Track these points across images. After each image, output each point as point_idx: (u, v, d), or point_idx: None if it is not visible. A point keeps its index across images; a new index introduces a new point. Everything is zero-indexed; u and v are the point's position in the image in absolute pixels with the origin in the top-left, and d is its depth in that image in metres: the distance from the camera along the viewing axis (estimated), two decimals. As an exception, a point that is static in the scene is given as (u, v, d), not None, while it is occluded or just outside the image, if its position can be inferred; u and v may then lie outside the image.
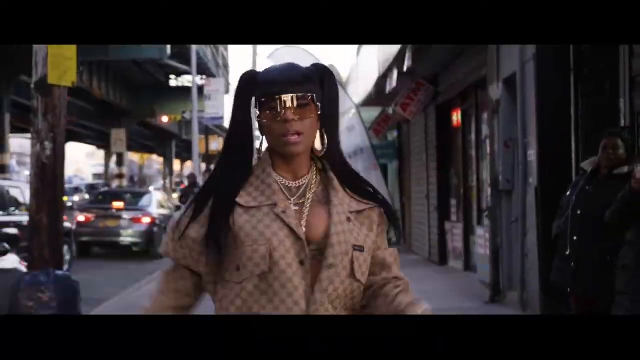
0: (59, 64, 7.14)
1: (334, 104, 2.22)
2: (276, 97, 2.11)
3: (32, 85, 7.24)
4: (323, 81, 2.19)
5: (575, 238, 5.44)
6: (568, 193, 5.65)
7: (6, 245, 8.36)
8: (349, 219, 2.16)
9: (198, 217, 2.16)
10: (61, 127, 7.29)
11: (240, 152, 2.19)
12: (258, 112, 2.17)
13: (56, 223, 7.26)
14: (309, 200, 2.18)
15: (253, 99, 2.18)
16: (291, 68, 2.18)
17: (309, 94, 2.13)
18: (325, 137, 2.20)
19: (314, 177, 2.21)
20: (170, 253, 2.21)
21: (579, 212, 5.45)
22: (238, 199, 2.14)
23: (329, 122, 2.21)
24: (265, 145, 2.22)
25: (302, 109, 2.13)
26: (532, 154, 8.68)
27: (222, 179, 2.18)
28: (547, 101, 8.28)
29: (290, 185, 2.19)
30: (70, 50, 7.26)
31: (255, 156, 2.23)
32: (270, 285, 2.10)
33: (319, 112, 2.16)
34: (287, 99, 2.11)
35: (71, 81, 7.34)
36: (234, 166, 2.19)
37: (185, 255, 2.18)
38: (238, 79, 2.23)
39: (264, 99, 2.14)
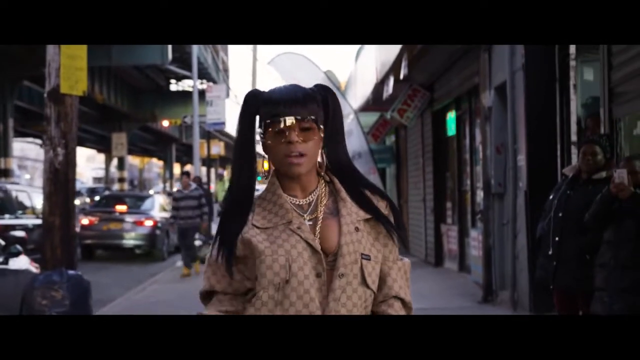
0: (71, 74, 7.53)
1: (337, 122, 2.27)
2: (280, 120, 2.17)
3: (45, 95, 7.63)
4: (326, 99, 2.24)
5: (557, 238, 5.79)
6: (551, 197, 6.00)
7: (18, 247, 8.69)
8: (357, 229, 2.21)
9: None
10: (72, 133, 7.68)
11: (247, 172, 2.25)
12: (262, 133, 2.22)
13: (68, 225, 7.65)
14: (322, 214, 2.22)
15: (257, 118, 2.24)
16: (294, 89, 2.22)
17: (311, 117, 2.18)
18: (325, 156, 2.26)
19: (323, 190, 2.26)
20: (215, 286, 2.24)
21: (560, 215, 5.79)
22: (254, 222, 2.20)
23: (333, 139, 2.26)
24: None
25: (305, 132, 2.18)
26: (522, 159, 9.03)
27: (233, 202, 2.25)
28: (535, 109, 8.64)
29: (300, 203, 2.24)
30: (81, 61, 7.65)
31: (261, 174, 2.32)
32: (286, 296, 2.14)
33: (322, 133, 2.22)
34: (291, 121, 2.16)
35: (82, 90, 7.73)
36: (242, 188, 2.24)
37: (229, 282, 2.23)
38: (243, 98, 2.29)
39: (268, 121, 2.19)
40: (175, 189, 18.30)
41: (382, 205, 2.28)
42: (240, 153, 2.25)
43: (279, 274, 2.14)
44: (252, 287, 2.21)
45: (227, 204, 2.27)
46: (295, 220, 2.19)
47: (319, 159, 2.27)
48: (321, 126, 2.22)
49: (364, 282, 2.19)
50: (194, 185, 15.13)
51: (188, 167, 62.44)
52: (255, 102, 2.23)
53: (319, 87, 2.28)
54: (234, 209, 2.24)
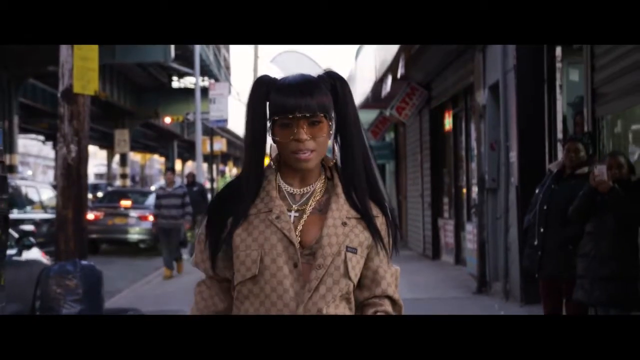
0: (83, 74, 7.89)
1: (349, 109, 2.23)
2: (289, 117, 2.14)
3: (59, 94, 8.00)
4: (335, 88, 2.21)
5: (542, 230, 6.11)
6: (537, 191, 6.35)
7: (32, 239, 9.03)
8: (344, 224, 2.19)
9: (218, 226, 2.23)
10: (85, 131, 8.05)
11: (256, 160, 2.23)
12: (270, 126, 2.19)
13: (80, 218, 8.02)
14: (310, 207, 2.21)
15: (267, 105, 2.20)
16: (303, 81, 2.18)
17: (321, 114, 2.15)
18: (337, 147, 2.25)
19: (321, 185, 2.25)
20: (200, 264, 2.29)
21: (545, 207, 6.12)
22: None
23: (343, 127, 2.23)
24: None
25: (314, 128, 2.16)
26: (513, 156, 9.34)
27: (238, 187, 2.24)
28: (525, 108, 8.96)
29: (294, 192, 2.23)
30: (92, 62, 8.01)
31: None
32: (262, 289, 2.15)
33: (331, 124, 2.19)
34: (300, 119, 2.14)
35: (94, 90, 8.09)
36: (248, 176, 2.23)
37: (211, 265, 2.26)
38: (252, 83, 2.24)
39: (276, 118, 2.16)
40: (158, 186, 17.72)
41: (375, 212, 2.25)
42: (252, 141, 2.22)
43: (251, 268, 2.15)
44: (230, 278, 2.24)
45: (230, 186, 2.27)
46: (276, 210, 2.18)
47: (329, 153, 2.26)
48: (333, 115, 2.20)
49: (347, 274, 2.18)
50: (178, 183, 14.41)
51: (190, 164, 62.56)
52: (265, 89, 2.20)
53: (328, 75, 2.23)
54: (235, 193, 2.23)
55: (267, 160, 2.29)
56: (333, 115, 2.20)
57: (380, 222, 2.25)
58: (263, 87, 2.20)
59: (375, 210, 2.25)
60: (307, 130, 2.15)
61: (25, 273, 8.83)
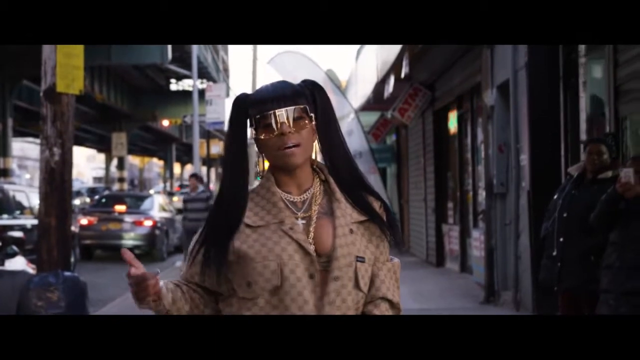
0: (67, 72, 7.41)
1: (328, 115, 2.26)
2: (270, 113, 2.18)
3: (41, 93, 7.52)
4: (314, 95, 2.25)
5: (561, 239, 5.68)
6: (555, 197, 5.90)
7: (15, 248, 8.59)
8: (351, 230, 2.20)
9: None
10: (69, 133, 7.57)
11: (238, 173, 2.25)
12: (254, 131, 2.22)
13: (64, 225, 7.55)
14: (315, 213, 2.22)
15: (247, 120, 2.24)
16: (281, 85, 2.24)
17: (301, 106, 2.19)
18: (321, 148, 2.25)
19: (318, 188, 2.26)
20: (189, 279, 2.28)
21: (565, 215, 5.69)
22: (245, 220, 2.19)
23: (326, 133, 2.25)
24: (266, 164, 2.28)
25: (297, 122, 2.19)
26: (525, 159, 8.95)
27: (224, 201, 2.24)
28: (538, 108, 8.56)
29: (295, 200, 2.23)
30: (77, 60, 7.54)
31: (254, 172, 2.30)
32: (281, 300, 2.14)
33: (314, 124, 2.22)
34: (281, 113, 2.17)
35: (79, 89, 7.61)
36: (234, 189, 2.24)
37: (203, 279, 2.25)
38: (232, 102, 2.29)
39: (258, 116, 2.20)
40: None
41: (376, 206, 2.27)
42: (231, 154, 2.25)
43: (271, 280, 2.14)
44: (222, 293, 2.23)
45: (218, 203, 2.26)
46: (288, 221, 2.19)
47: (313, 155, 2.27)
48: (312, 115, 2.22)
49: (357, 284, 2.19)
50: (201, 188, 15.29)
51: (188, 167, 62.37)
52: (243, 105, 2.24)
53: (307, 83, 2.28)
54: (225, 209, 2.23)
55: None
56: (313, 117, 2.23)
57: (377, 206, 2.28)
58: (242, 101, 2.25)
59: (370, 199, 2.27)
60: (289, 124, 2.18)
61: (8, 284, 8.37)
